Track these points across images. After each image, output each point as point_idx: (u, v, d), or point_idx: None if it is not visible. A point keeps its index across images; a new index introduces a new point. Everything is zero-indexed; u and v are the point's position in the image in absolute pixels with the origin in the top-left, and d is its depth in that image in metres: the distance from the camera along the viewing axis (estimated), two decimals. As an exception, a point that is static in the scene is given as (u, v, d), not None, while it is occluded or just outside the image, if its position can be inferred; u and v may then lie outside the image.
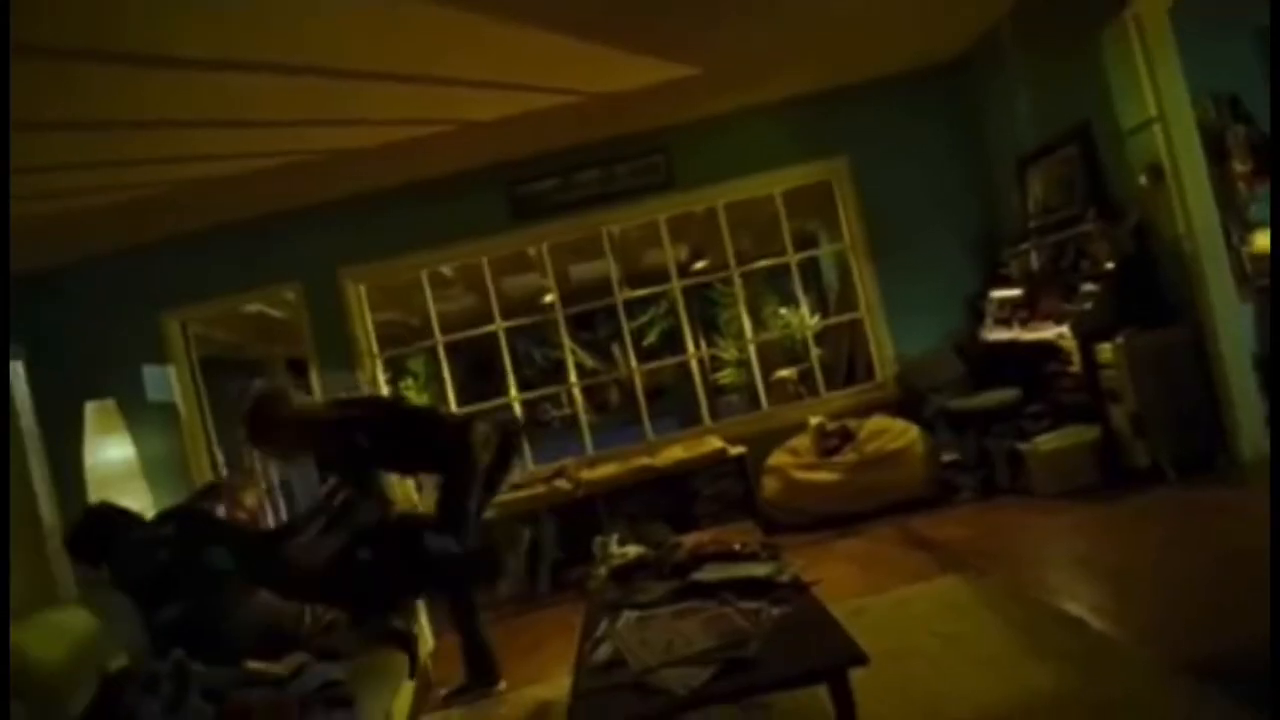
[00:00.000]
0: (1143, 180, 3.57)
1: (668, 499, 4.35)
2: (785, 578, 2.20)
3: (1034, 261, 4.30)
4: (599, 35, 3.39)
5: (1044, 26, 4.14)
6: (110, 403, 4.44)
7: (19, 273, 4.55)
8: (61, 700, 1.76)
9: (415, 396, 8.25)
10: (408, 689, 2.64)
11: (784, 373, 6.72)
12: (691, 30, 3.58)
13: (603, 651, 1.98)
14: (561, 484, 4.44)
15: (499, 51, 3.31)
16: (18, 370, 4.41)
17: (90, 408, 4.35)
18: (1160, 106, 3.47)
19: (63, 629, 2.05)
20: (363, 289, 4.94)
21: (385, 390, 5.07)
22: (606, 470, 4.54)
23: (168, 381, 4.67)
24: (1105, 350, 3.52)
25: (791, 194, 5.07)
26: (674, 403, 8.64)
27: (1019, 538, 3.33)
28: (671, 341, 9.88)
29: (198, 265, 4.72)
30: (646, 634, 2.01)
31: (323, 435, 3.02)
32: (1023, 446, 3.74)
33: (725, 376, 8.26)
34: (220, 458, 5.00)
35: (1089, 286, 3.71)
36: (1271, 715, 1.68)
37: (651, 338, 9.58)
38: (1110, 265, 3.64)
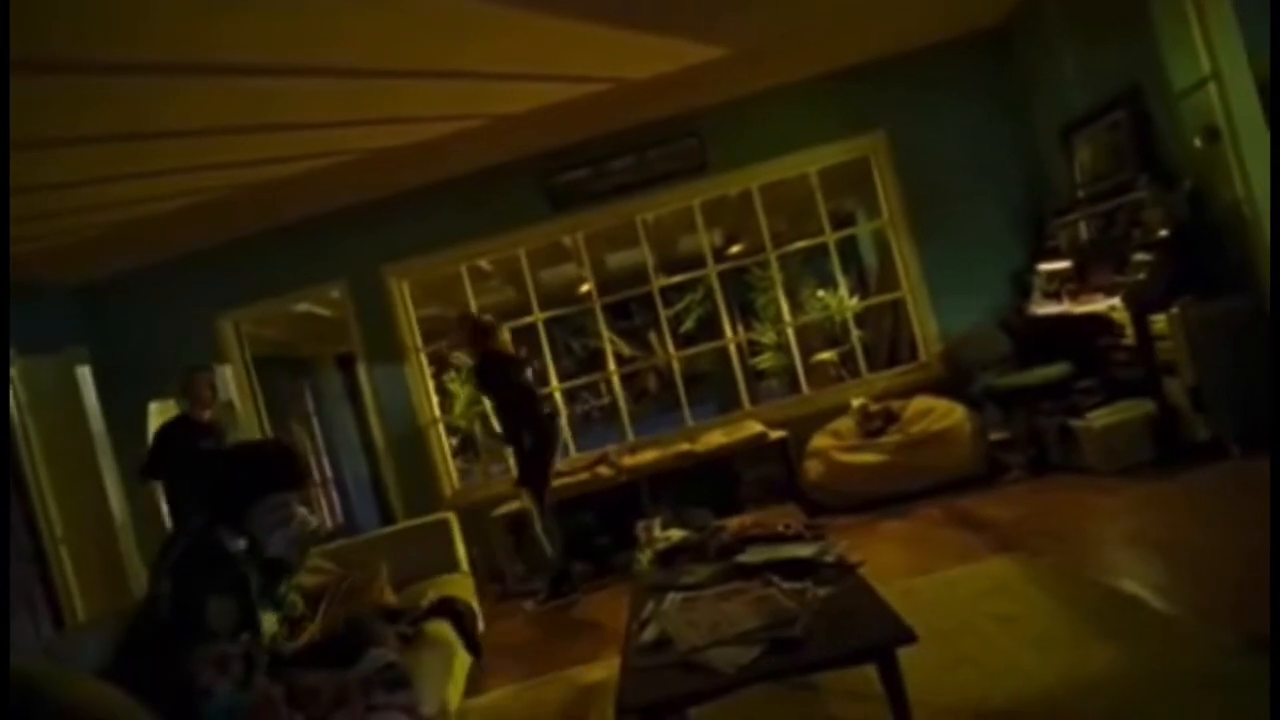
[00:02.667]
0: (1198, 143, 3.42)
1: (710, 484, 4.37)
2: (830, 558, 2.19)
3: (1083, 232, 4.17)
4: (627, 21, 3.39)
5: (1087, -14, 3.99)
6: (172, 403, 4.62)
7: (81, 282, 4.78)
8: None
9: (458, 389, 8.40)
10: (461, 669, 2.72)
11: (824, 355, 6.64)
12: (720, 9, 3.54)
13: (650, 632, 2.00)
14: (604, 470, 4.49)
15: (528, 43, 3.33)
16: (85, 375, 4.64)
17: (153, 408, 4.54)
18: (1215, 64, 3.31)
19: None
20: (405, 285, 5.04)
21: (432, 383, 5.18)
22: (648, 456, 4.57)
23: (225, 379, 4.84)
24: (1160, 321, 3.39)
25: (828, 172, 4.99)
26: (713, 388, 8.62)
27: (1072, 516, 3.25)
28: (709, 327, 9.83)
29: (248, 268, 4.88)
30: (692, 615, 2.03)
31: (508, 364, 4.09)
32: (1075, 423, 3.64)
33: (764, 360, 8.18)
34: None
35: (1142, 256, 3.58)
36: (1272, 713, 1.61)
37: (689, 324, 9.55)
38: (1164, 233, 3.50)
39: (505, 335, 4.25)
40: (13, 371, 4.06)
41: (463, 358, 4.29)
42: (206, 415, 4.08)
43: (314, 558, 3.17)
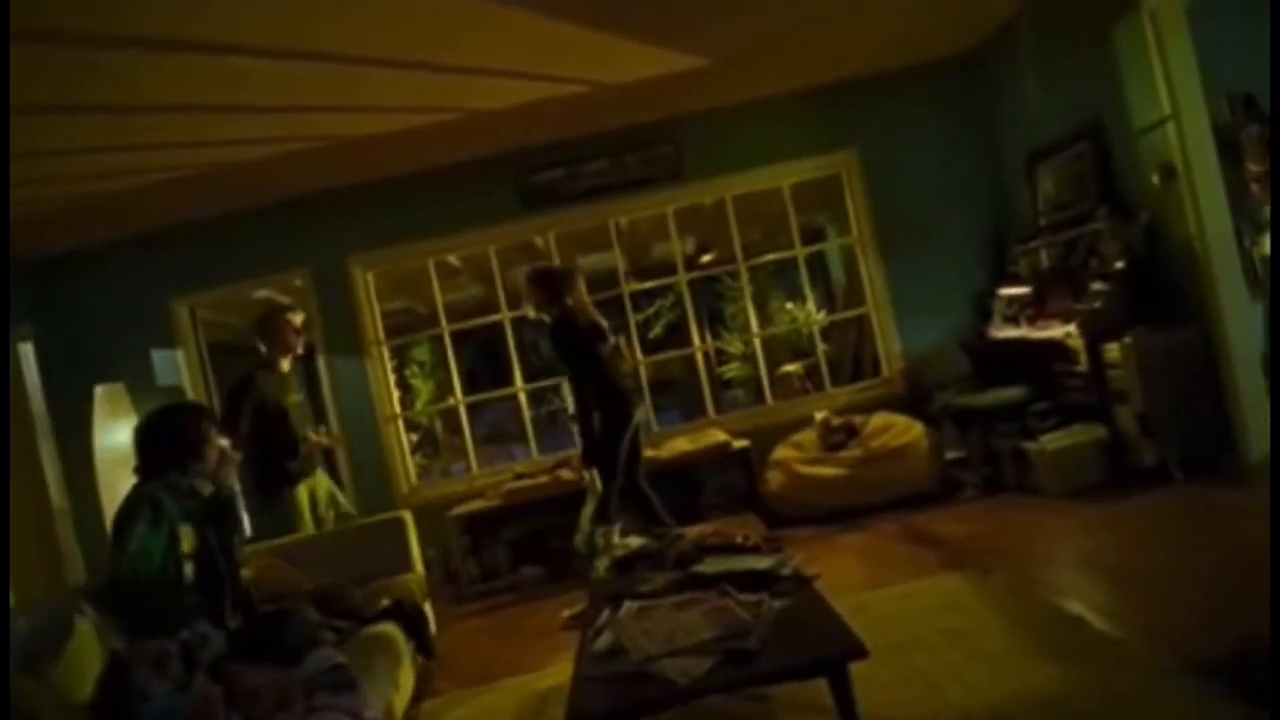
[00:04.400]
0: (1155, 179, 3.55)
1: (671, 491, 4.34)
2: (787, 571, 2.20)
3: (1043, 259, 4.29)
4: (607, 24, 3.39)
5: (1058, 18, 4.10)
6: (119, 387, 4.47)
7: (31, 257, 4.58)
8: (71, 675, 1.78)
9: (421, 384, 8.27)
10: (409, 674, 2.67)
11: (789, 367, 6.71)
12: (701, 19, 3.57)
13: (604, 640, 1.99)
14: (566, 474, 4.45)
15: (509, 39, 3.31)
16: (27, 353, 4.46)
17: (99, 391, 4.37)
18: (1174, 105, 3.44)
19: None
20: (371, 277, 4.95)
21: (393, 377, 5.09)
22: (611, 461, 4.54)
23: (176, 366, 4.70)
24: (1113, 350, 3.50)
25: (800, 187, 5.05)
26: (679, 396, 8.64)
27: (1023, 536, 3.32)
28: (677, 334, 9.83)
29: (207, 251, 4.74)
30: (648, 624, 2.02)
31: (580, 329, 3.51)
32: (1029, 445, 3.73)
33: (730, 370, 8.25)
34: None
35: (1098, 285, 3.69)
36: (1272, 716, 1.68)
37: (657, 330, 9.56)
38: (1120, 264, 3.62)
39: (581, 292, 3.64)
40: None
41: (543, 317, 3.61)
42: (285, 365, 3.68)
43: (264, 555, 3.09)
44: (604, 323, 3.71)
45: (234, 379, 3.68)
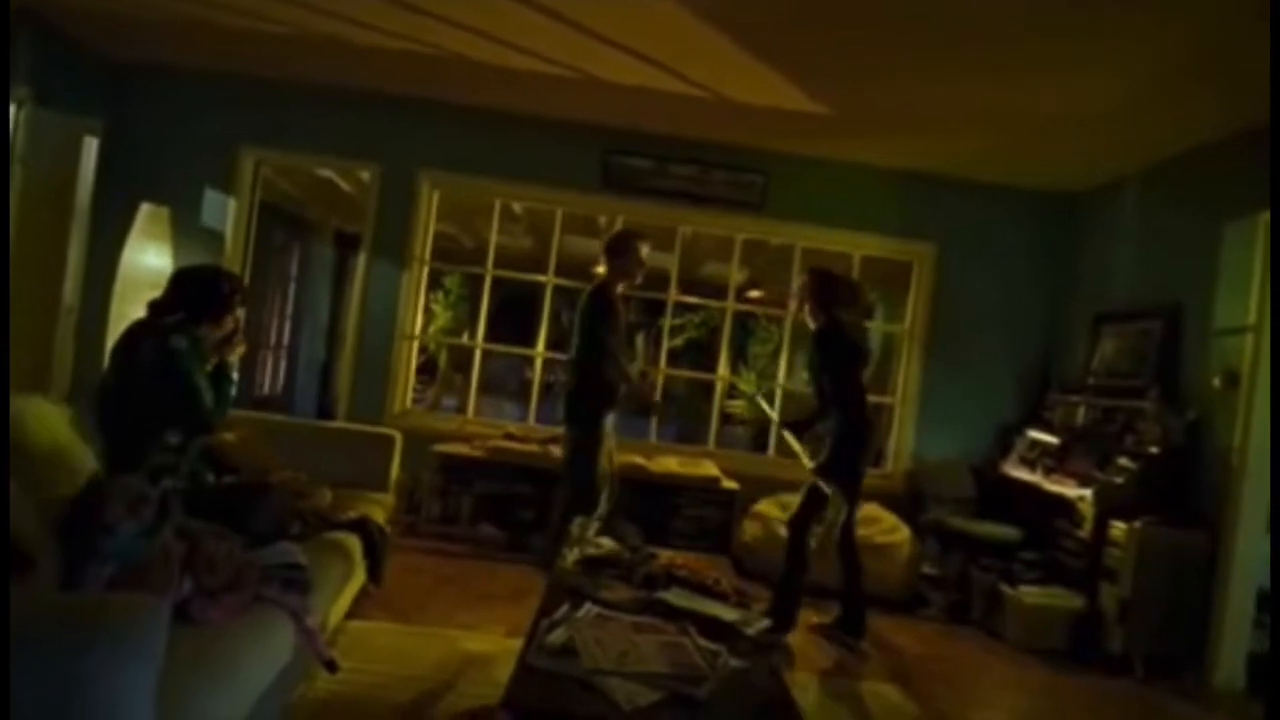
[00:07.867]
0: (1216, 382, 3.53)
1: (647, 504, 4.33)
2: (752, 631, 2.18)
3: (1080, 416, 4.26)
4: (751, 43, 3.38)
5: (1172, 196, 4.08)
6: (165, 211, 4.45)
7: (120, 58, 4.56)
8: (49, 488, 1.77)
9: (440, 311, 8.27)
10: (352, 590, 2.65)
11: (795, 425, 6.68)
12: (842, 71, 3.55)
13: (558, 635, 1.96)
14: (556, 450, 4.43)
15: (649, 23, 3.29)
16: (90, 147, 4.42)
17: (144, 209, 4.36)
18: (1260, 317, 3.42)
19: (57, 418, 2.06)
20: (436, 195, 4.93)
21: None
22: (600, 454, 4.51)
23: (225, 211, 4.67)
24: (1119, 529, 3.48)
25: (868, 260, 5.03)
26: (678, 413, 8.62)
27: (973, 675, 3.29)
28: (693, 352, 9.84)
29: (289, 114, 4.72)
30: (603, 634, 2.00)
31: (846, 344, 3.32)
32: (1006, 589, 3.70)
33: (736, 406, 8.23)
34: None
35: (1125, 461, 3.67)
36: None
37: (677, 342, 9.55)
38: (1154, 449, 3.60)
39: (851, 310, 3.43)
40: (19, 115, 3.86)
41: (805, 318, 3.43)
42: (620, 289, 3.49)
43: (245, 426, 3.07)
44: (869, 348, 3.56)
45: (590, 290, 3.52)
